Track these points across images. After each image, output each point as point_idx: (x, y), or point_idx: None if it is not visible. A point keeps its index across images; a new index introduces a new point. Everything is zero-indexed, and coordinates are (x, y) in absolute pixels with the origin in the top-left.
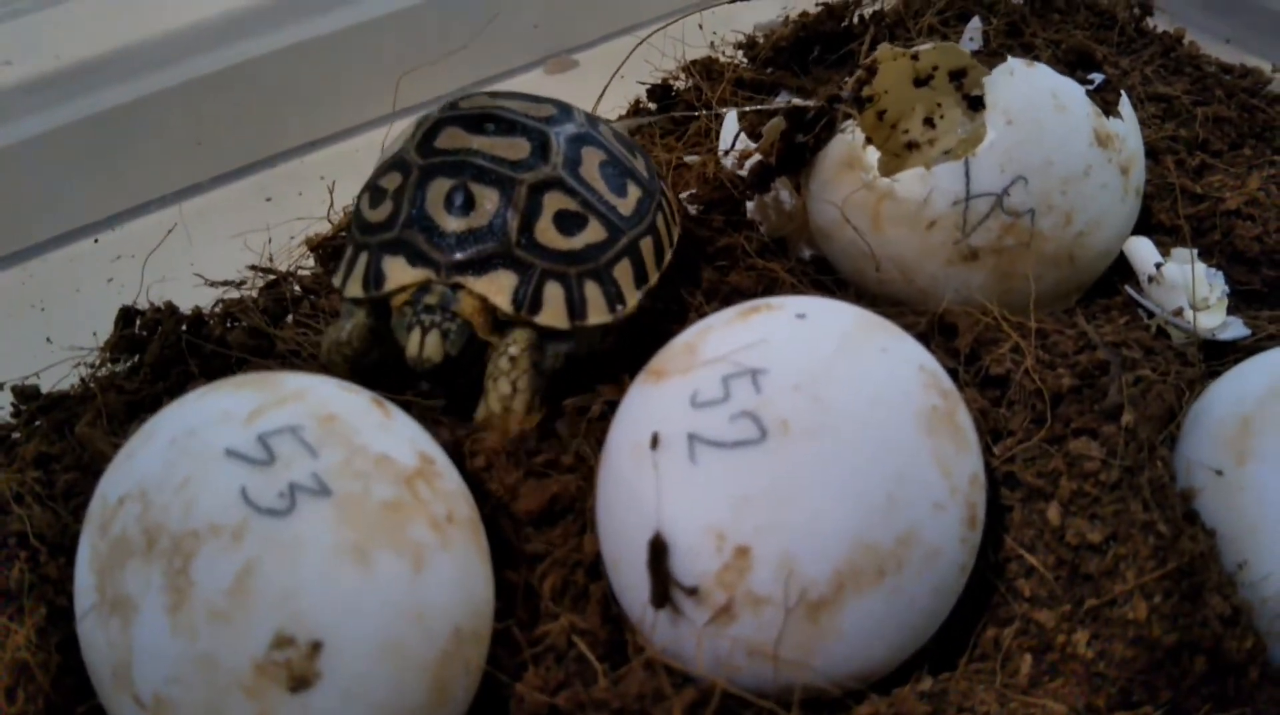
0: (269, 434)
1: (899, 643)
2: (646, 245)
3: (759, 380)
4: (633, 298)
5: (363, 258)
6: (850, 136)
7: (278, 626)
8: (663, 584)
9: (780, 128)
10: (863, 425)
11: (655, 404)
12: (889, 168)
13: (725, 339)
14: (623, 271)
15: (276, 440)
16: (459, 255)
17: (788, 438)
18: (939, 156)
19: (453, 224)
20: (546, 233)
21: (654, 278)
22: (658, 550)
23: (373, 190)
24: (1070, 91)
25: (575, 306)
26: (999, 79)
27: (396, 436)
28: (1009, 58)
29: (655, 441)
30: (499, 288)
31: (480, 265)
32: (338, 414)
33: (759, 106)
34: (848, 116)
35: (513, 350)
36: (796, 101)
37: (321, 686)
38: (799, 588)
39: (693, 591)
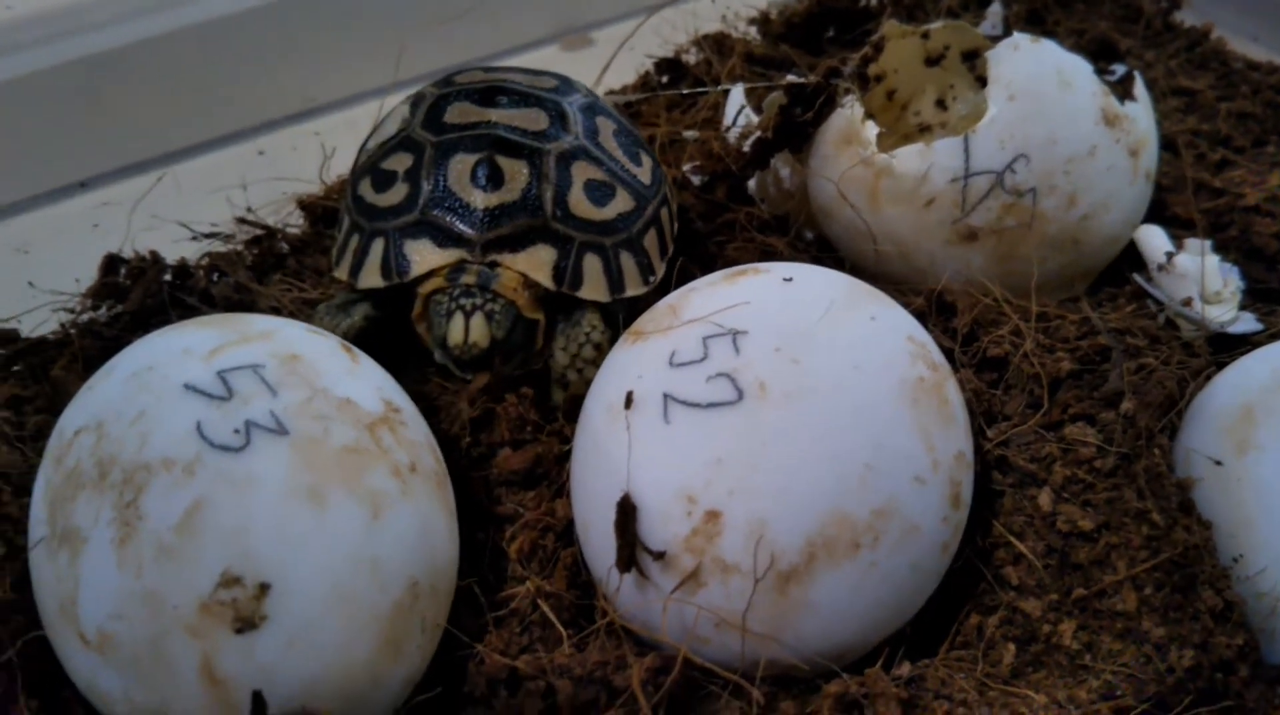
0: (229, 370)
1: (874, 621)
2: (665, 215)
3: (739, 341)
4: (661, 268)
5: (377, 245)
6: (850, 111)
7: (225, 565)
8: (629, 547)
9: (779, 103)
10: (843, 391)
11: (633, 364)
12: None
13: (709, 300)
14: (651, 241)
15: (236, 377)
16: (493, 232)
17: (764, 400)
18: None
19: (483, 199)
20: (580, 204)
21: (671, 248)
22: (625, 511)
23: (375, 173)
24: (1077, 68)
25: (614, 279)
26: (1003, 54)
27: (363, 382)
28: (1015, 33)
29: (629, 401)
30: (539, 263)
31: (517, 240)
32: (302, 355)
33: (761, 84)
34: (848, 92)
35: (595, 336)
36: (792, 78)
37: (268, 629)
38: (769, 556)
39: (660, 556)
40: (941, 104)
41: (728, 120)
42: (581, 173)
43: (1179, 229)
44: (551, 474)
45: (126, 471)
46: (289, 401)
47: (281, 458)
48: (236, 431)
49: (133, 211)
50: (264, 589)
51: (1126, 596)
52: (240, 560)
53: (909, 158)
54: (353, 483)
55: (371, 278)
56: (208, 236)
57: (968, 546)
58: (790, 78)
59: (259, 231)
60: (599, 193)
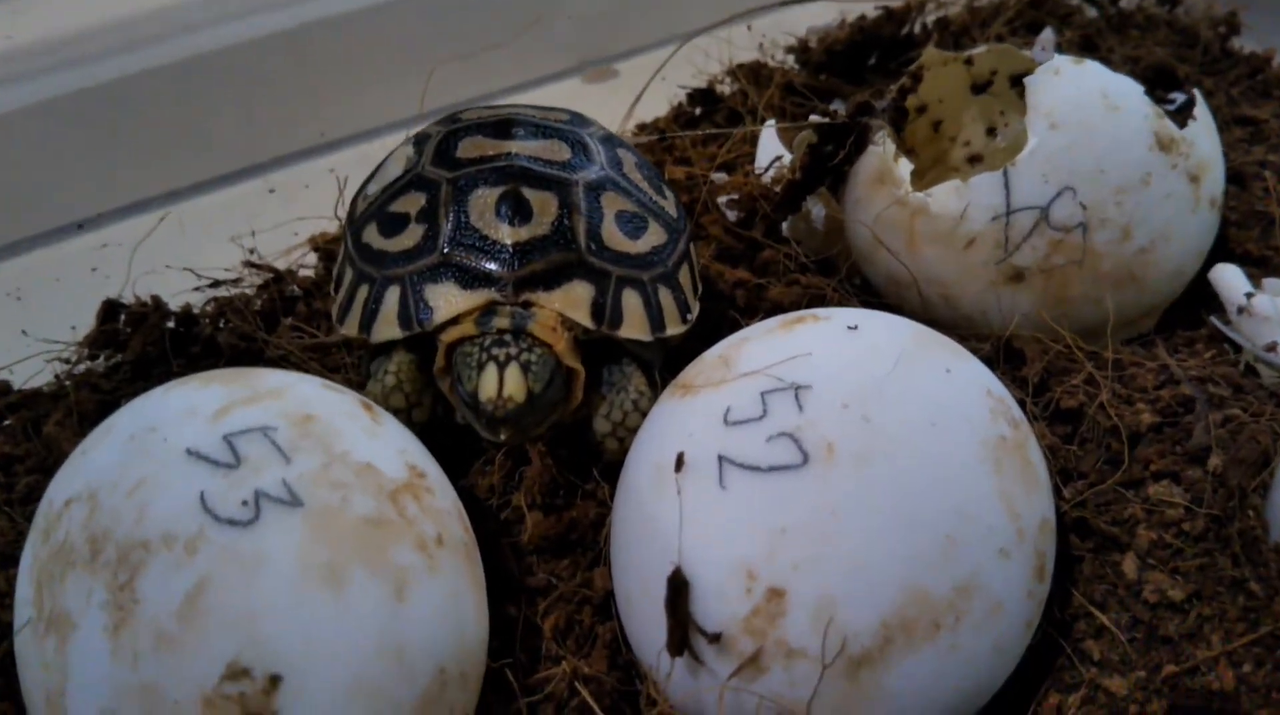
0: (237, 434)
1: (952, 707)
2: (693, 249)
3: (802, 397)
4: (695, 306)
5: (392, 293)
6: (882, 149)
7: (232, 655)
8: (681, 627)
9: (809, 142)
10: (920, 453)
11: (682, 421)
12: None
13: (765, 351)
14: (685, 276)
15: (244, 441)
16: (525, 268)
17: (833, 463)
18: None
19: (511, 234)
20: (613, 236)
21: (700, 286)
22: (677, 588)
23: (382, 218)
24: (1126, 90)
25: (654, 316)
26: (1043, 79)
27: (384, 444)
28: (1055, 55)
29: (680, 463)
30: (576, 300)
31: (551, 277)
32: (317, 415)
33: (791, 124)
34: (879, 129)
35: (643, 403)
36: (814, 118)
37: None
38: (840, 639)
39: (716, 638)
40: (993, 132)
41: (760, 162)
42: (612, 204)
43: (1251, 267)
44: (587, 540)
45: (122, 549)
46: (303, 468)
47: (295, 533)
48: (245, 503)
49: (134, 254)
50: (275, 681)
51: (1223, 674)
52: (249, 649)
53: (945, 196)
54: (374, 559)
55: (388, 329)
56: (213, 284)
57: (1045, 617)
58: (813, 118)
59: (268, 275)
60: (631, 225)
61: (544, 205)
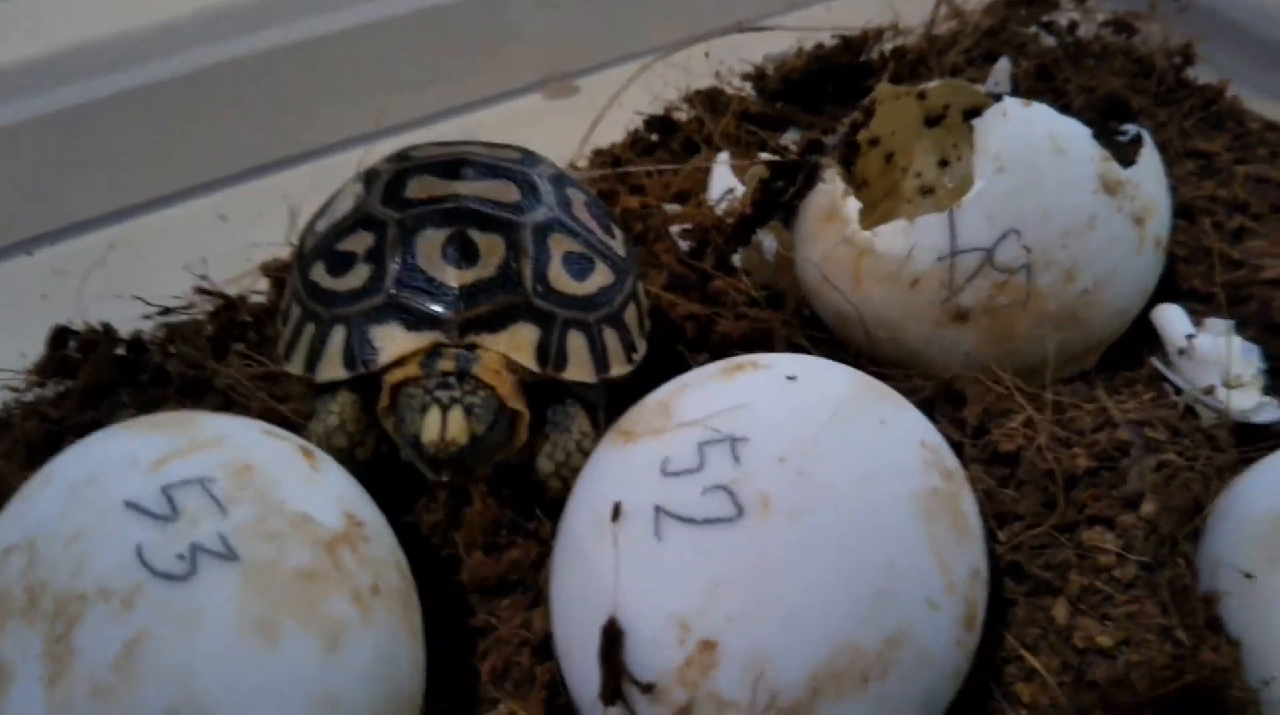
0: (174, 485)
1: None
2: (640, 288)
3: (738, 449)
4: (642, 345)
5: (337, 333)
6: (830, 186)
7: (167, 708)
8: (615, 677)
9: (760, 176)
10: (852, 507)
11: (621, 469)
12: (900, 214)
13: (704, 399)
14: (632, 316)
15: (182, 493)
16: (471, 311)
17: (767, 517)
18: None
19: (457, 277)
20: (560, 278)
21: (648, 324)
22: (611, 638)
23: (330, 256)
24: (1072, 134)
25: (599, 358)
26: (990, 121)
27: (322, 493)
28: (1004, 98)
29: (617, 512)
30: (521, 343)
31: (496, 320)
32: (255, 464)
33: (743, 161)
34: (829, 167)
35: (586, 444)
36: (765, 156)
37: None
38: (770, 691)
39: (649, 688)
40: (945, 164)
41: (712, 194)
42: (559, 246)
43: (1195, 303)
44: (528, 580)
45: (59, 601)
46: (239, 520)
47: (230, 587)
48: (181, 557)
49: (85, 280)
50: None
51: None
52: (183, 703)
53: (891, 236)
54: (308, 613)
55: (332, 369)
56: (163, 312)
57: (976, 659)
58: (763, 156)
59: (219, 301)
60: (578, 266)
61: (491, 247)
